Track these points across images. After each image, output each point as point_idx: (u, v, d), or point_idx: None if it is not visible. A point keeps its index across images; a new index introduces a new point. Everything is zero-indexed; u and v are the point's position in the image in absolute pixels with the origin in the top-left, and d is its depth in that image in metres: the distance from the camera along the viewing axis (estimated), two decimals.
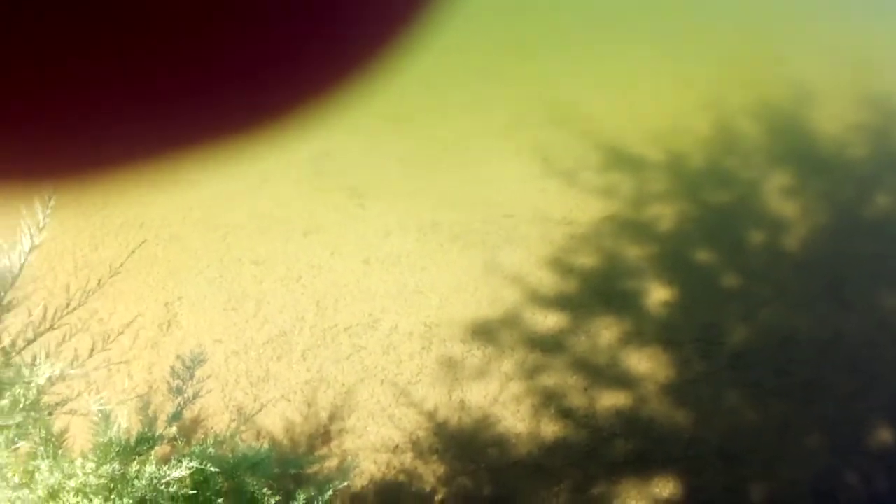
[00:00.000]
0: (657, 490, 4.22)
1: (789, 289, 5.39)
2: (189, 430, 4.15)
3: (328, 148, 6.10)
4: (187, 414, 4.18)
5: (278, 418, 4.30)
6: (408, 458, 4.24)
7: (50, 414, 2.16)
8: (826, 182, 6.36)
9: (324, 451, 4.21)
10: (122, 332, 3.98)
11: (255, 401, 4.37)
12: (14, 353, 2.06)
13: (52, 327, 2.29)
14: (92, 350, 2.34)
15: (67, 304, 2.29)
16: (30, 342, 2.09)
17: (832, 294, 5.38)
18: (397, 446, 4.27)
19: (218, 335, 4.62)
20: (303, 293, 4.96)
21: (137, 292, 4.81)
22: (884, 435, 4.54)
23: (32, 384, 2.11)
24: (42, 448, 2.51)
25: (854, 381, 4.82)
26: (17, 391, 2.12)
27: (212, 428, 4.10)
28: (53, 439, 2.65)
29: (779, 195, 6.21)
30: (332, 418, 4.36)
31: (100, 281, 2.42)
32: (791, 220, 5.99)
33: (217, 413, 4.23)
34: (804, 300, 5.32)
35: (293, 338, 4.70)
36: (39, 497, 2.52)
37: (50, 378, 2.23)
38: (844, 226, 5.99)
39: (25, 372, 2.07)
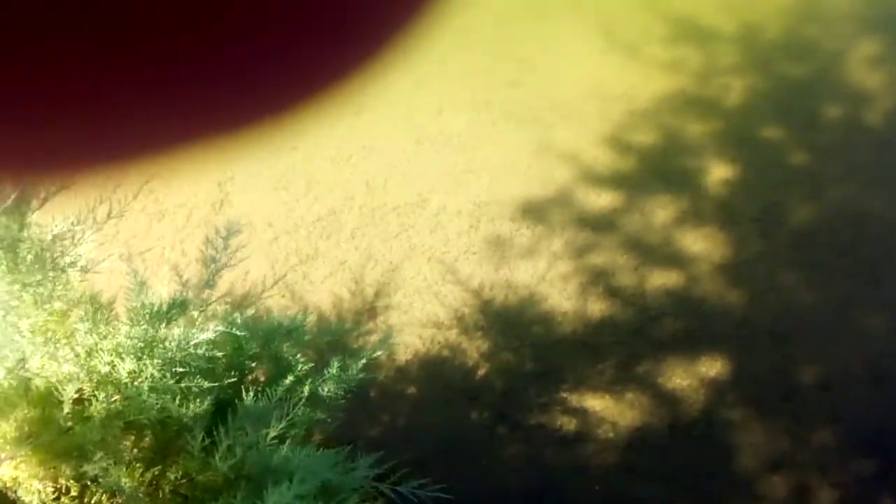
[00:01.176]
0: (703, 369, 4.17)
1: (863, 167, 5.05)
2: (240, 306, 4.30)
3: None
4: (238, 290, 4.33)
5: (326, 294, 4.40)
6: (452, 334, 4.30)
7: (65, 270, 2.25)
8: None
9: (369, 325, 4.31)
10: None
11: (304, 278, 4.47)
12: (30, 213, 2.13)
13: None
14: (110, 212, 2.40)
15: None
16: (44, 201, 2.15)
17: None
18: (442, 322, 4.32)
19: (268, 215, 4.70)
20: (353, 173, 4.96)
21: (190, 174, 4.91)
22: None
23: (50, 240, 2.19)
24: (78, 309, 2.64)
25: None
26: (38, 249, 2.20)
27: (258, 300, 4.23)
28: (95, 303, 2.77)
29: (863, 67, 5.74)
30: (378, 295, 4.43)
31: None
32: (873, 94, 5.56)
33: (265, 290, 4.35)
34: (879, 179, 4.99)
35: (342, 217, 4.74)
36: (80, 356, 2.67)
37: (69, 236, 2.31)
38: None
39: (42, 228, 2.14)
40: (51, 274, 2.26)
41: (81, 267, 2.36)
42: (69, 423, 2.64)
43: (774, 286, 4.44)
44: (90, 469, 2.44)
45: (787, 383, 4.09)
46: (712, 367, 4.16)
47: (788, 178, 4.99)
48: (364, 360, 3.22)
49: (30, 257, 2.14)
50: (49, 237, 2.17)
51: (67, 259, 2.33)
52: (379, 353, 3.43)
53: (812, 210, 4.81)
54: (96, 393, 2.65)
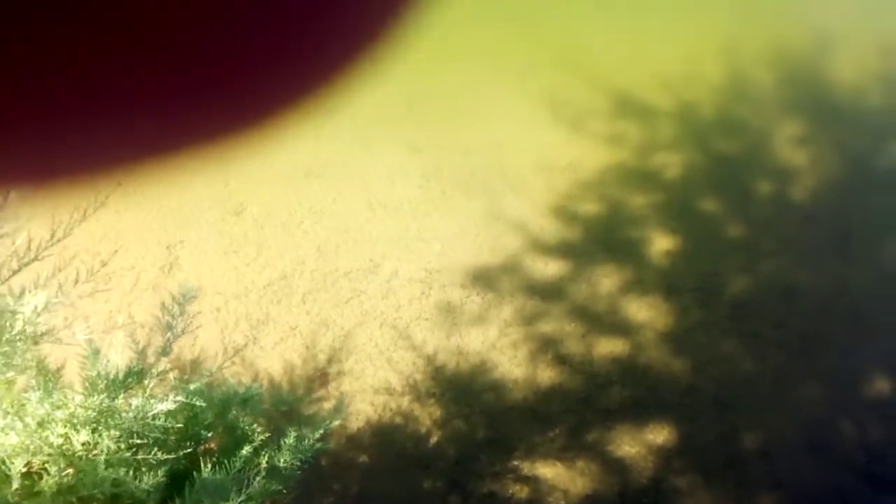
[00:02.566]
0: (651, 436, 4.25)
1: (794, 240, 5.33)
2: (189, 371, 4.22)
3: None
4: (186, 354, 4.26)
5: (277, 360, 4.36)
6: (405, 401, 4.29)
7: (35, 343, 2.20)
8: (839, 132, 6.24)
9: (321, 392, 4.27)
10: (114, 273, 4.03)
11: (254, 343, 4.42)
12: None
13: (36, 258, 2.32)
14: (77, 280, 2.36)
15: (52, 235, 2.32)
16: (14, 273, 2.11)
17: (838, 247, 5.32)
18: (395, 389, 4.32)
19: (218, 278, 4.66)
20: (304, 238, 4.98)
21: (139, 235, 4.84)
22: (881, 385, 4.53)
23: (18, 315, 2.14)
24: (34, 381, 2.56)
25: (854, 333, 4.79)
26: (3, 321, 2.15)
27: (209, 368, 4.16)
28: (46, 371, 2.70)
29: (790, 145, 6.10)
30: (330, 361, 4.41)
31: (85, 212, 2.44)
32: (800, 170, 5.90)
33: (216, 355, 4.29)
34: (809, 252, 5.26)
35: (294, 281, 4.73)
36: (30, 427, 2.58)
37: (35, 308, 2.26)
38: (855, 177, 5.89)
39: (9, 300, 2.10)
40: (8, 345, 2.20)
41: (41, 335, 2.30)
42: (17, 499, 2.54)
43: (716, 355, 4.60)
44: None
45: (730, 450, 4.20)
46: (659, 435, 4.26)
47: (725, 249, 5.22)
48: (321, 431, 3.20)
49: None
50: (7, 306, 2.12)
51: (25, 327, 2.28)
52: (334, 423, 3.41)
53: (747, 282, 5.03)
54: (47, 466, 2.57)
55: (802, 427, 4.32)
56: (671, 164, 5.77)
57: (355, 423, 4.16)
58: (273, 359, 4.35)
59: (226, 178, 5.27)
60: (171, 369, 3.25)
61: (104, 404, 2.61)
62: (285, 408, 3.40)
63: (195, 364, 4.22)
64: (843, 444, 4.26)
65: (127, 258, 4.67)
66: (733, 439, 4.26)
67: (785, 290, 5.01)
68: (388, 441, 4.12)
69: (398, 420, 4.22)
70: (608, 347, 4.63)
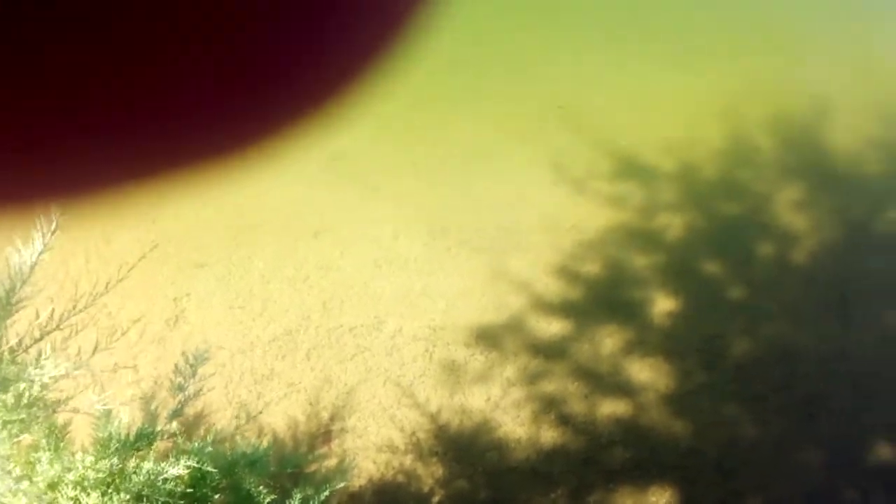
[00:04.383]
0: (653, 499, 4.25)
1: (794, 303, 5.39)
2: (192, 426, 4.23)
3: (341, 148, 6.14)
4: (190, 410, 4.27)
5: (281, 416, 4.37)
6: (407, 460, 4.30)
7: (54, 411, 2.24)
8: (838, 196, 6.34)
9: (324, 450, 4.28)
10: (128, 329, 4.07)
11: (258, 398, 4.44)
12: (20, 351, 2.14)
13: (58, 328, 2.37)
14: (95, 348, 2.41)
15: (74, 306, 2.37)
16: (36, 341, 2.16)
17: (837, 310, 5.38)
18: (398, 447, 4.33)
19: (223, 333, 4.70)
20: (309, 293, 5.03)
21: (146, 287, 4.89)
22: (882, 451, 4.54)
23: (36, 381, 2.19)
24: (44, 441, 2.59)
25: (855, 397, 4.81)
26: (21, 387, 2.19)
27: (214, 424, 4.18)
28: (56, 432, 2.73)
29: (790, 209, 6.20)
30: (333, 418, 4.42)
31: (108, 284, 2.49)
32: (800, 234, 5.98)
33: (220, 409, 4.31)
34: (809, 315, 5.31)
35: (298, 337, 4.77)
36: (39, 489, 2.60)
37: (53, 376, 2.30)
38: (854, 241, 5.97)
39: (30, 370, 2.14)
40: (28, 410, 2.24)
41: (58, 403, 2.34)
42: None
43: (718, 418, 4.62)
44: None
45: None
46: (661, 497, 4.26)
47: (727, 312, 5.28)
48: (327, 493, 3.21)
49: (11, 397, 2.13)
50: (33, 377, 2.17)
51: (46, 394, 2.32)
52: (340, 485, 3.43)
53: (749, 344, 5.08)
54: None
55: (804, 494, 4.32)
56: (673, 225, 5.85)
57: (358, 482, 4.16)
58: (276, 414, 4.37)
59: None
60: (180, 430, 3.28)
61: (115, 467, 2.63)
62: (292, 469, 3.41)
63: (199, 419, 4.24)
64: None
65: (132, 310, 4.71)
66: None
67: (786, 353, 5.05)
68: (391, 500, 4.12)
69: (401, 478, 4.22)
70: (610, 408, 4.65)
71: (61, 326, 2.17)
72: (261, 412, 4.30)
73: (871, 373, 4.99)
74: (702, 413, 4.66)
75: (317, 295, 5.04)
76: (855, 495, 4.32)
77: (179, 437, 3.15)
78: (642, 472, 4.38)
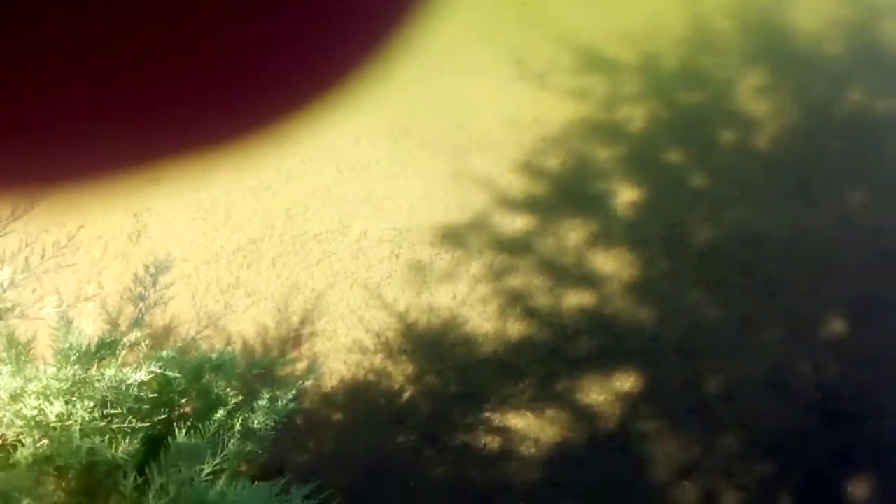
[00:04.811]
0: (618, 384, 4.38)
1: (757, 188, 5.43)
2: (161, 338, 4.25)
3: None
4: (159, 322, 4.28)
5: (249, 324, 4.40)
6: (377, 359, 4.37)
7: (1, 319, 2.22)
8: (799, 80, 6.31)
9: (295, 354, 4.33)
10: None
11: (226, 308, 4.46)
12: None
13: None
14: (43, 255, 2.38)
15: (12, 213, 2.33)
16: None
17: (798, 193, 5.43)
18: (367, 347, 4.39)
19: (187, 245, 4.67)
20: (272, 201, 4.98)
21: (106, 205, 4.82)
22: (837, 326, 4.69)
23: None
24: (4, 354, 2.59)
25: (815, 276, 4.93)
26: None
27: (182, 336, 4.20)
28: (18, 346, 2.72)
29: (751, 94, 6.16)
30: (302, 322, 4.46)
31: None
32: (762, 119, 5.98)
33: (188, 321, 4.33)
34: (771, 199, 5.37)
35: (263, 245, 4.75)
36: (2, 400, 2.61)
37: (1, 284, 2.28)
38: (814, 124, 5.98)
39: None
40: None
41: (7, 311, 2.33)
42: None
43: (681, 304, 4.71)
44: None
45: (695, 395, 4.35)
46: (626, 382, 4.38)
47: (690, 199, 5.32)
48: (294, 391, 3.27)
49: None
50: None
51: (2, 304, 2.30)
52: (307, 382, 3.48)
53: (712, 230, 5.14)
54: (22, 438, 2.61)
55: (765, 370, 4.47)
56: (635, 116, 5.82)
57: (329, 382, 4.24)
58: (245, 322, 4.40)
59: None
60: (145, 338, 3.29)
61: (77, 376, 2.65)
62: (259, 371, 3.46)
63: (168, 330, 4.26)
64: (802, 384, 4.42)
65: (94, 228, 4.66)
66: (698, 385, 4.40)
67: (748, 237, 5.13)
68: (362, 398, 4.21)
69: (371, 377, 4.30)
70: (576, 299, 4.72)
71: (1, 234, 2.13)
72: (226, 318, 4.32)
73: (831, 252, 5.09)
74: (666, 300, 4.75)
75: (279, 203, 4.99)
76: (810, 369, 4.48)
77: (145, 346, 3.16)
78: (608, 360, 4.50)
